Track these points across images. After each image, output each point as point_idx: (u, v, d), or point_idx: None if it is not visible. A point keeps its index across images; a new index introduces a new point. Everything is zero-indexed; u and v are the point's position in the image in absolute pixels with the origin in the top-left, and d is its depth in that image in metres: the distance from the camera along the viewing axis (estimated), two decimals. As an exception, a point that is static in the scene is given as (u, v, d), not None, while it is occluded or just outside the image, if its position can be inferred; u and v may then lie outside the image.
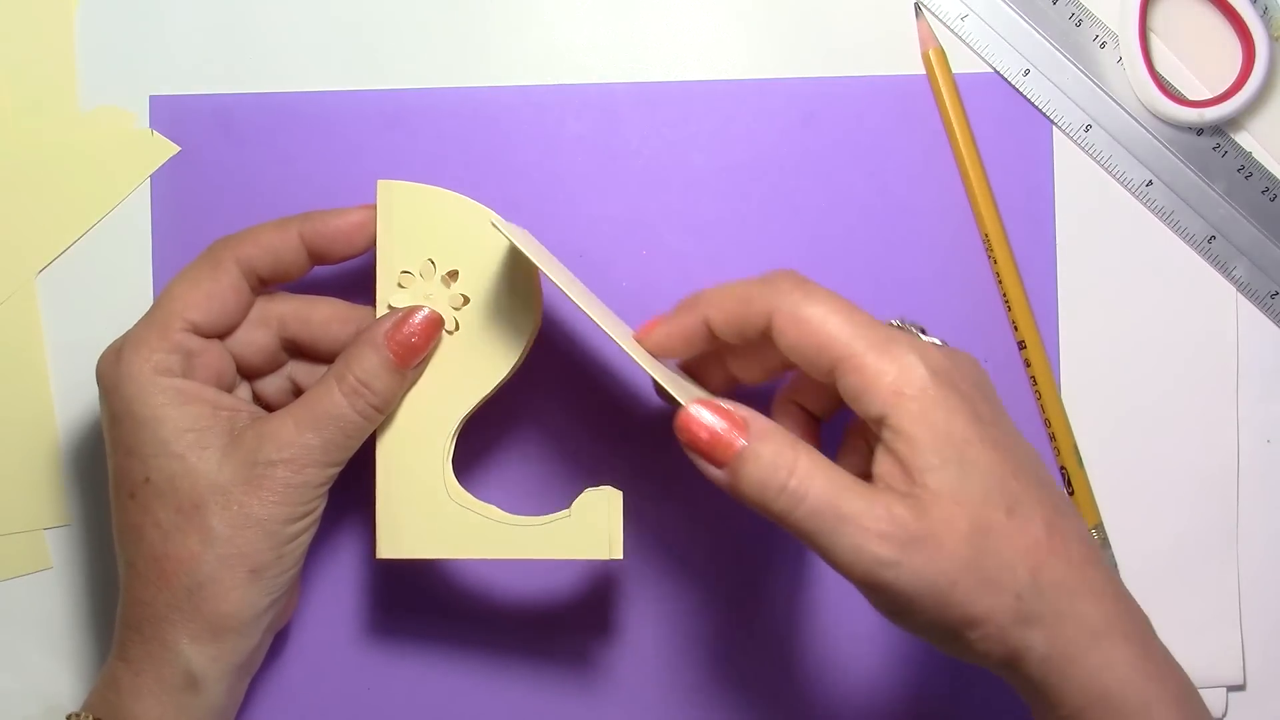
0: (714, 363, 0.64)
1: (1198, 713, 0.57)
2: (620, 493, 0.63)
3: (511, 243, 0.60)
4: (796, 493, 0.55)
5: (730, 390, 0.65)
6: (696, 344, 0.61)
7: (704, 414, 0.56)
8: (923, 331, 0.60)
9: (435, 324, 0.63)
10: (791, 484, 0.55)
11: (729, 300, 0.59)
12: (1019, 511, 0.55)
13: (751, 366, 0.63)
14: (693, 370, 0.65)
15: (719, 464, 0.56)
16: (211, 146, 0.71)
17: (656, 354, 0.62)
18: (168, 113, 0.71)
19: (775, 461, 0.55)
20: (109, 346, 0.63)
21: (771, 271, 0.59)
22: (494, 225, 0.60)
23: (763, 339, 0.59)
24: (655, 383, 0.59)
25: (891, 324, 0.60)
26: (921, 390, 0.55)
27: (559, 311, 0.69)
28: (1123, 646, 0.55)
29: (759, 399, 0.64)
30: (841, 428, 0.64)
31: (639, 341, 0.62)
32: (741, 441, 0.56)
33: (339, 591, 0.71)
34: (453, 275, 0.63)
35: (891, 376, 0.56)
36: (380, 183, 0.64)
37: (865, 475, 0.57)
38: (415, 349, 0.62)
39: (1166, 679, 0.56)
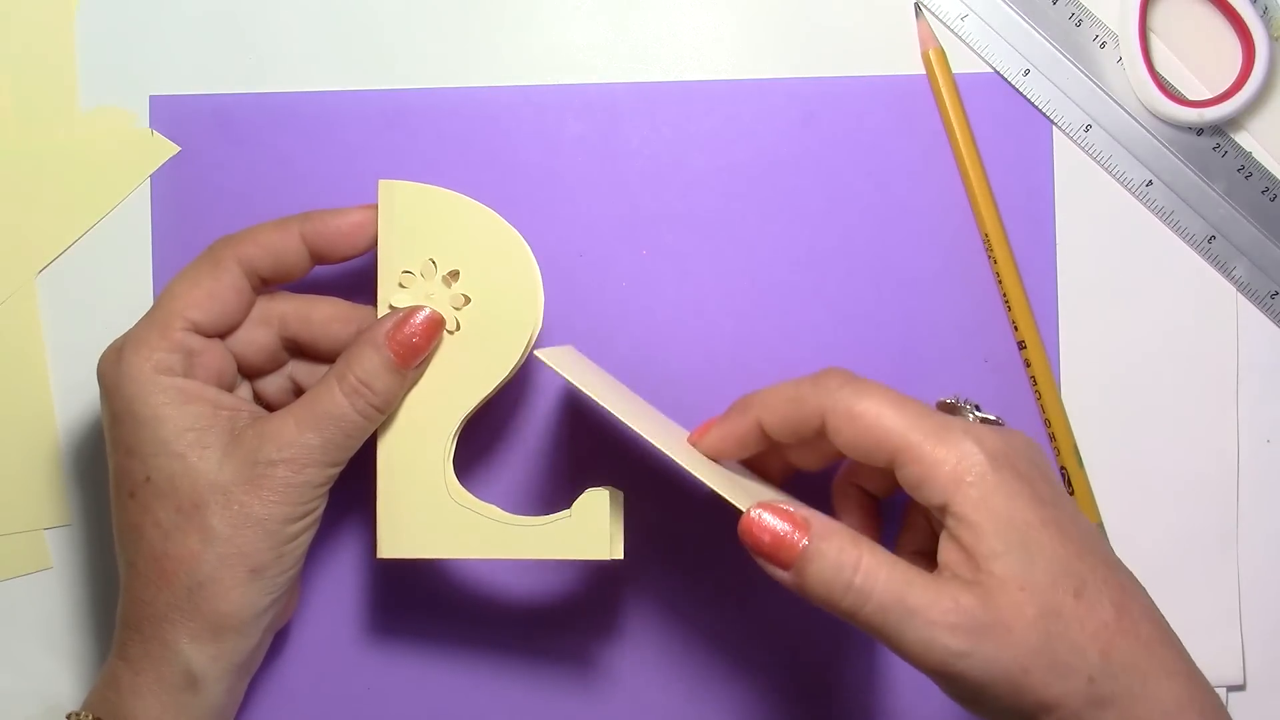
0: (772, 453, 0.64)
1: None
2: (621, 493, 0.64)
3: (558, 372, 0.61)
4: (863, 590, 0.55)
5: (789, 477, 0.65)
6: (751, 445, 0.62)
7: (765, 517, 0.57)
8: (977, 408, 0.61)
9: (436, 324, 0.63)
10: (857, 581, 0.55)
11: (780, 403, 0.60)
12: (1086, 594, 0.55)
13: (808, 456, 0.63)
14: (751, 460, 0.65)
15: (784, 566, 0.56)
16: (211, 146, 0.71)
17: (712, 456, 0.62)
18: (168, 113, 0.71)
19: (839, 560, 0.55)
20: (110, 346, 0.63)
21: (819, 371, 0.60)
22: (540, 358, 0.61)
23: (817, 436, 0.59)
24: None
25: (945, 401, 0.61)
26: (981, 476, 0.56)
27: (560, 313, 0.69)
28: None
29: (819, 485, 0.65)
30: (901, 504, 0.64)
31: (694, 444, 0.63)
32: (804, 542, 0.56)
33: (339, 591, 0.71)
34: (454, 275, 0.63)
35: (950, 465, 0.56)
36: (381, 182, 0.64)
37: (928, 550, 0.58)
38: (416, 349, 0.62)
39: None
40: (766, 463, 0.65)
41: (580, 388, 0.60)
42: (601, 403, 0.60)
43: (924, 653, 0.54)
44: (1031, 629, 0.54)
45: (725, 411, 0.62)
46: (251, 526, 0.60)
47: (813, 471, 0.65)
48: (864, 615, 0.55)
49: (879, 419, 0.57)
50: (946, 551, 0.56)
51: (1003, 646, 0.54)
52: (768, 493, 0.60)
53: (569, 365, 0.62)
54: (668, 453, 0.60)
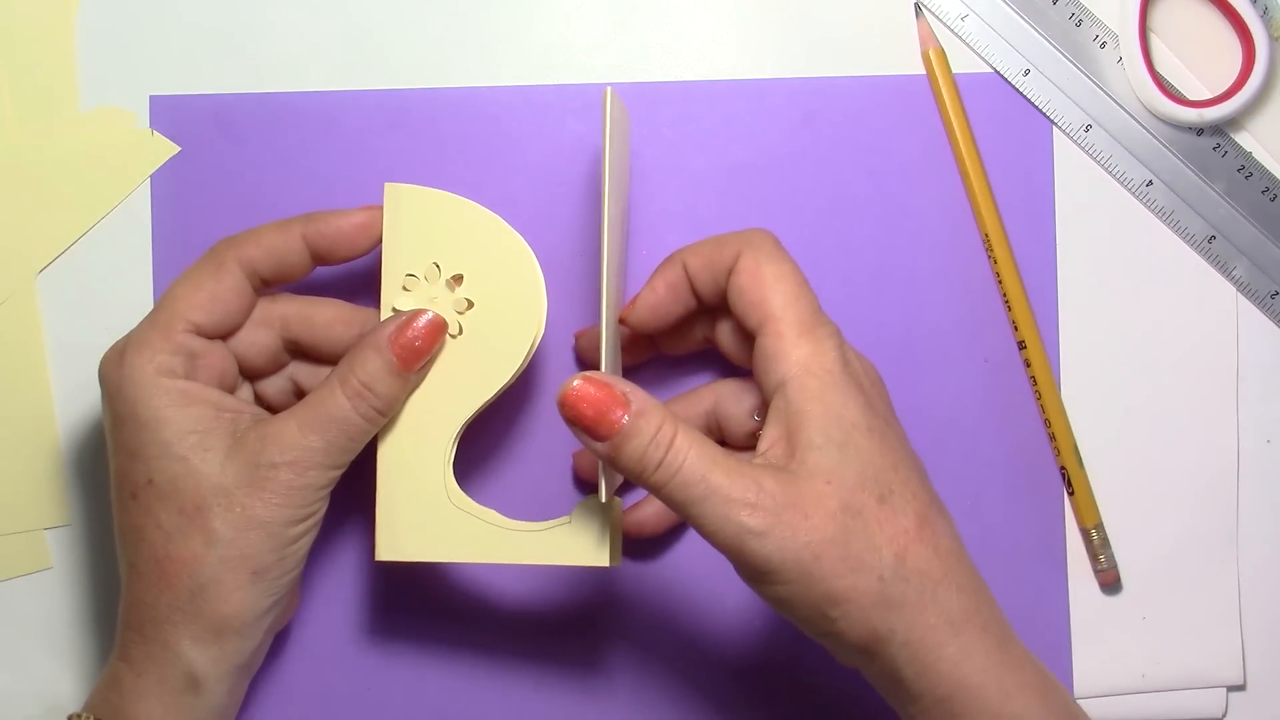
0: (642, 340, 0.68)
1: (1062, 703, 0.59)
2: (620, 500, 0.64)
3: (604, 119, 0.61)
4: (670, 465, 0.57)
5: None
6: (680, 295, 0.64)
7: (588, 390, 0.58)
8: None
9: (439, 328, 0.63)
10: (667, 458, 0.57)
11: (705, 244, 0.63)
12: (891, 501, 0.58)
13: (679, 340, 0.68)
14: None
15: (601, 439, 0.58)
16: (211, 146, 0.71)
17: (643, 318, 0.65)
18: (168, 113, 0.71)
19: (655, 438, 0.57)
20: (111, 348, 0.63)
21: (753, 229, 0.63)
22: (605, 95, 0.61)
23: (716, 293, 0.63)
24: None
25: None
26: (826, 371, 0.59)
27: (562, 316, 0.69)
28: (981, 637, 0.57)
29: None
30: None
31: (626, 317, 0.65)
32: (625, 419, 0.57)
33: (339, 592, 0.71)
34: (457, 279, 0.63)
35: (805, 352, 0.59)
36: (387, 186, 0.64)
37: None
38: (419, 353, 0.62)
39: (1026, 670, 0.58)
40: (636, 349, 0.68)
41: (605, 155, 0.61)
42: (605, 196, 0.61)
43: (720, 528, 0.56)
44: (830, 520, 0.56)
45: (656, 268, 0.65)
46: (254, 529, 0.60)
47: (677, 354, 0.69)
48: (668, 490, 0.57)
49: (776, 284, 0.60)
50: (769, 433, 0.59)
51: (798, 530, 0.56)
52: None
53: (618, 123, 0.63)
54: (603, 300, 0.61)
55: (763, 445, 0.59)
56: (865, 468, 0.57)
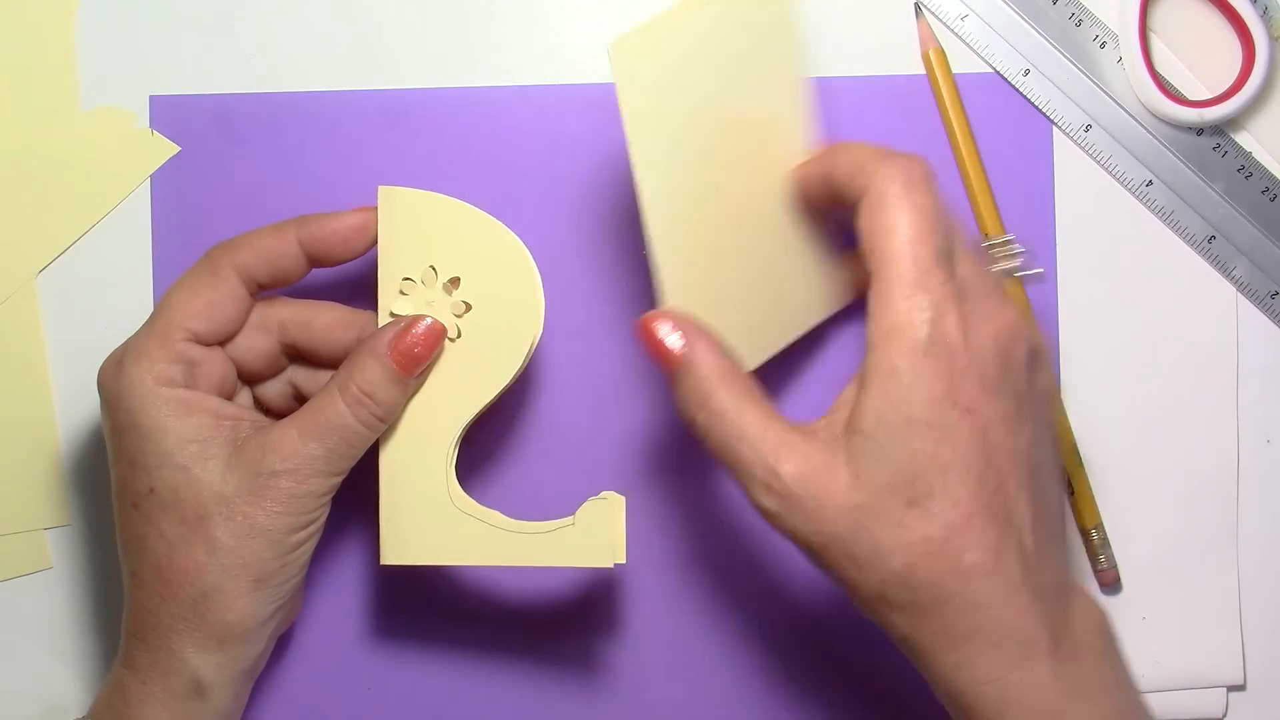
0: None
1: None
2: (623, 498, 0.63)
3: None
4: (705, 425, 0.58)
5: None
6: (827, 185, 0.61)
7: (655, 320, 0.59)
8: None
9: (438, 333, 0.63)
10: (700, 418, 0.58)
11: (851, 156, 0.60)
12: (922, 506, 0.55)
13: None
14: None
15: (666, 370, 0.59)
16: (211, 146, 0.71)
17: (799, 187, 0.64)
18: (168, 113, 0.71)
19: (696, 390, 0.58)
20: (109, 357, 0.63)
21: (903, 154, 0.59)
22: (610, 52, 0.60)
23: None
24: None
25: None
26: (908, 350, 0.55)
27: (562, 316, 0.69)
28: (987, 652, 0.55)
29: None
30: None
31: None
32: (683, 352, 0.59)
33: (342, 594, 0.71)
34: (454, 282, 0.63)
35: (896, 317, 0.56)
36: (381, 189, 0.64)
37: None
38: (418, 359, 0.62)
39: (1046, 691, 0.55)
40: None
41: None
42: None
43: (746, 494, 0.58)
44: (842, 515, 0.56)
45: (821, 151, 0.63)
46: (255, 537, 0.60)
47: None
48: (706, 448, 0.59)
49: (889, 236, 0.56)
50: (843, 394, 0.59)
51: (809, 519, 0.56)
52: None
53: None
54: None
55: (835, 404, 0.59)
56: (906, 467, 0.55)
